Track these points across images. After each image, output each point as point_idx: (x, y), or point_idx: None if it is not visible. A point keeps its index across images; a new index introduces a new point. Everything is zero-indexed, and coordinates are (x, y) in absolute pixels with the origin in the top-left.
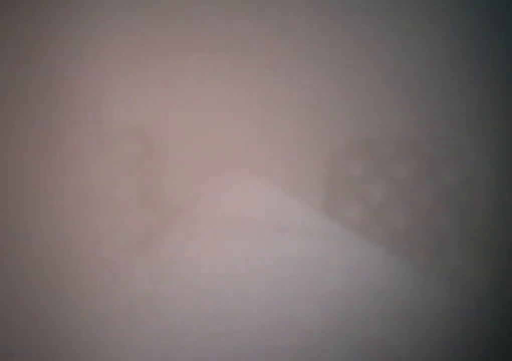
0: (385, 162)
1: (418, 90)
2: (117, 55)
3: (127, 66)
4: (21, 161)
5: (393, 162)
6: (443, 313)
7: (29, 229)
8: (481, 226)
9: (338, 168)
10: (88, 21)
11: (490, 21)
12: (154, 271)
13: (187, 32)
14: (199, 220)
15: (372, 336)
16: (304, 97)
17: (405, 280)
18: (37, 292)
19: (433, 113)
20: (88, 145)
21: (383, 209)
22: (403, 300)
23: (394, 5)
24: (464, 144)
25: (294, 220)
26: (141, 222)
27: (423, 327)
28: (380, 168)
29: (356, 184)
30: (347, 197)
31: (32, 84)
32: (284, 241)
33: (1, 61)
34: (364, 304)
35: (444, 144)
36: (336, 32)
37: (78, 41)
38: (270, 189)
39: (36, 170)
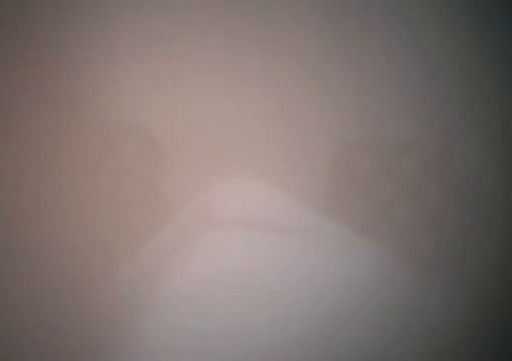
0: (389, 161)
1: (425, 89)
2: (123, 54)
3: (132, 66)
4: (22, 161)
5: (398, 161)
6: (448, 316)
7: (28, 230)
8: (488, 226)
9: (342, 167)
10: (94, 19)
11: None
12: (154, 271)
13: (192, 32)
14: (200, 220)
15: (373, 340)
16: (308, 96)
17: (409, 280)
18: (36, 292)
19: (440, 112)
20: (91, 145)
21: (388, 208)
22: (407, 301)
23: (406, 2)
24: (471, 144)
25: (297, 221)
26: (142, 222)
27: (426, 330)
28: (385, 167)
29: (361, 183)
30: (352, 196)
31: (34, 83)
32: (286, 242)
33: (2, 59)
34: (367, 306)
35: (450, 144)
36: (339, 32)
37: (83, 41)
38: (273, 190)
39: (37, 171)
